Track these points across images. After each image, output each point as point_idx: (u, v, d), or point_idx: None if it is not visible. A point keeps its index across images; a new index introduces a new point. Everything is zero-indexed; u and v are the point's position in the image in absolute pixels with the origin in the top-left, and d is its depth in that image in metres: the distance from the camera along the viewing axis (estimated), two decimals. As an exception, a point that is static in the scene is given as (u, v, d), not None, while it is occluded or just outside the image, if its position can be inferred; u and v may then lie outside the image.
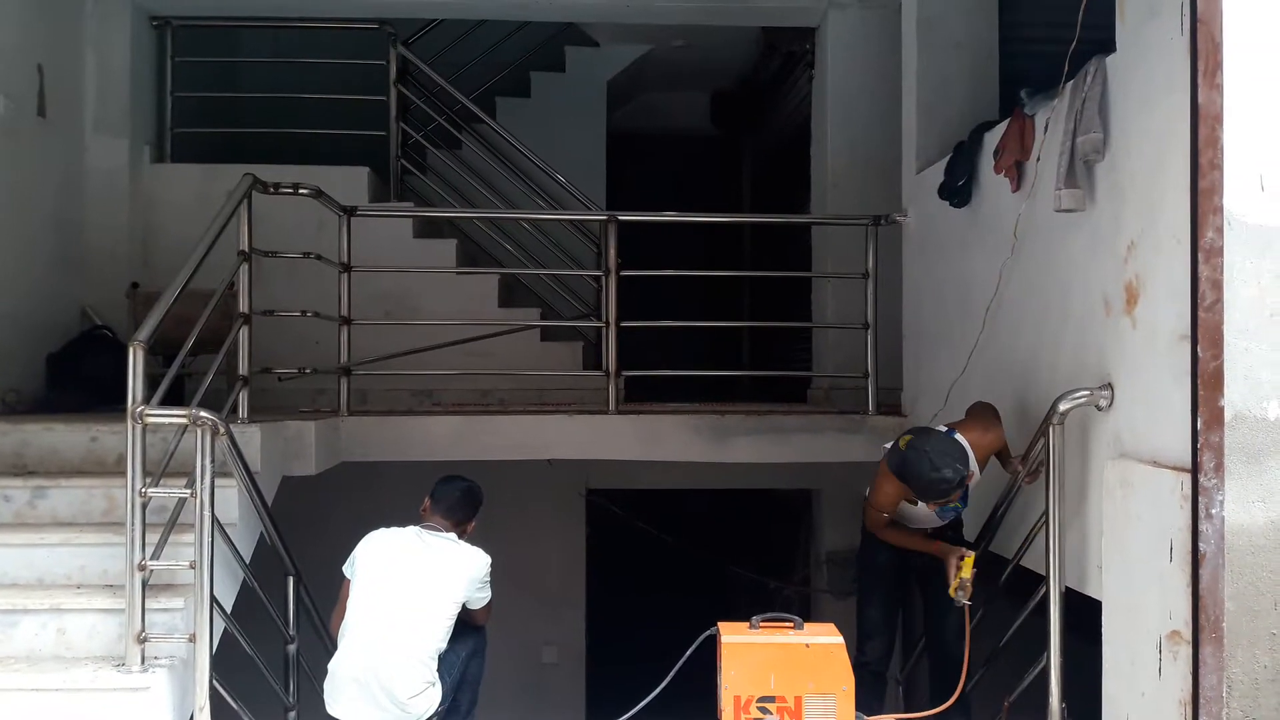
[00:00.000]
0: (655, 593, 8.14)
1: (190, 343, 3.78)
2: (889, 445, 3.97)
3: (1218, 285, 2.73)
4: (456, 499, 3.83)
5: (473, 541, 3.81)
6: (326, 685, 3.53)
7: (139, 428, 3.31)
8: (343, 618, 3.64)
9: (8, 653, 3.41)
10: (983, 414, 3.95)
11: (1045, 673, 3.41)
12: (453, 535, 3.75)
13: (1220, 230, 2.73)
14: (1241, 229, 2.78)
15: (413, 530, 3.73)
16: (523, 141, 6.62)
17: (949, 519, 4.03)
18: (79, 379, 5.27)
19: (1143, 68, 3.08)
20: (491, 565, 3.73)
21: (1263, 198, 2.79)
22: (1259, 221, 2.79)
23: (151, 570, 3.33)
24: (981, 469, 3.92)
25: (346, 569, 3.69)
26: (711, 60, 8.04)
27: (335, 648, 3.64)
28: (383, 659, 3.43)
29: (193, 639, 3.32)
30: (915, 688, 4.81)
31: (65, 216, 5.72)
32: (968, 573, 3.79)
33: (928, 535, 4.03)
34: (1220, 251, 2.73)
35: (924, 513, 3.97)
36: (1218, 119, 2.72)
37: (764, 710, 3.17)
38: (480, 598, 3.74)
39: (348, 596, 3.64)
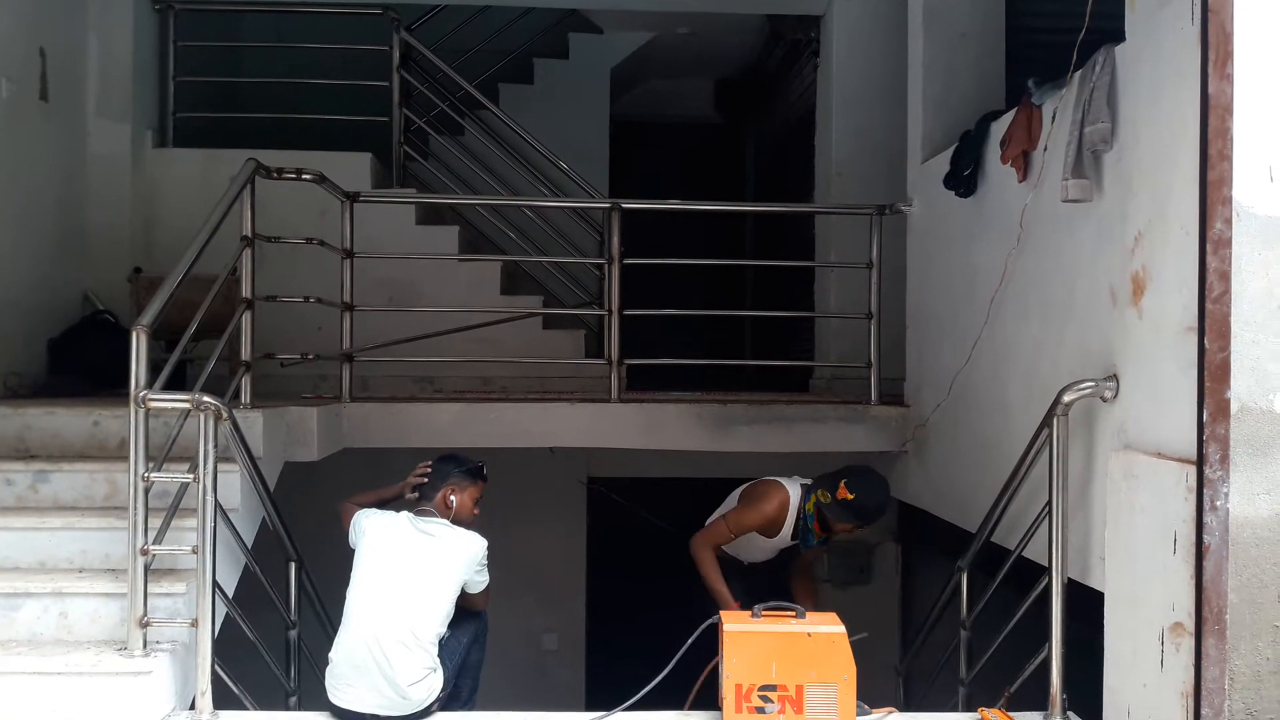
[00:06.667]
0: (656, 580, 8.11)
1: (193, 328, 3.78)
2: (791, 486, 4.43)
3: (1226, 276, 2.72)
4: (425, 483, 3.86)
5: (476, 520, 3.81)
6: (327, 674, 3.53)
7: (142, 412, 3.30)
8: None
9: (10, 636, 3.41)
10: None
11: (1046, 663, 3.41)
12: (444, 521, 3.74)
13: (1229, 221, 2.72)
14: (1250, 220, 2.76)
15: (405, 516, 3.72)
16: (526, 128, 6.60)
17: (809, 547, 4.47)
18: (81, 363, 5.26)
19: (1152, 57, 3.06)
20: (489, 549, 3.73)
21: (1272, 189, 2.78)
22: (1268, 213, 2.77)
23: (154, 555, 3.32)
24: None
25: (352, 539, 3.69)
26: (716, 48, 8.01)
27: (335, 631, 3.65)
28: (383, 647, 3.42)
29: (195, 624, 3.32)
30: (914, 680, 4.82)
31: (67, 201, 5.70)
32: None
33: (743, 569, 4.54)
34: (1229, 243, 2.71)
35: (765, 546, 4.50)
36: (1228, 109, 2.70)
37: (765, 699, 3.17)
38: (479, 581, 3.73)
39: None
